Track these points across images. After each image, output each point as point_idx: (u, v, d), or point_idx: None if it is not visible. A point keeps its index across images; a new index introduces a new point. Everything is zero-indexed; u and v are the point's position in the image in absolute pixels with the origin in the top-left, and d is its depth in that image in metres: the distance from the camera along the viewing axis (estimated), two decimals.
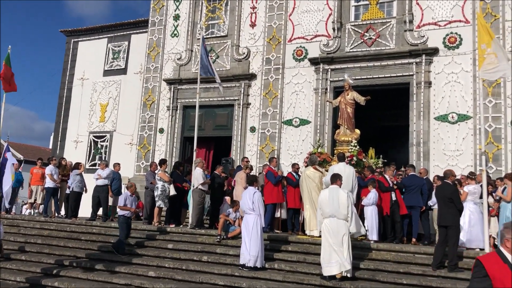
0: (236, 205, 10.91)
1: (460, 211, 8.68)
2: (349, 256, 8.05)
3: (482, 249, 9.44)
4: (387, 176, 11.30)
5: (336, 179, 8.59)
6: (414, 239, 10.95)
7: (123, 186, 15.46)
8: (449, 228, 8.49)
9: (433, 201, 10.71)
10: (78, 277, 9.43)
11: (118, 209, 10.68)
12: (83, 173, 14.23)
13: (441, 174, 11.50)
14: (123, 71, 20.79)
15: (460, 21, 14.74)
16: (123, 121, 20.11)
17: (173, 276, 9.12)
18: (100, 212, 14.11)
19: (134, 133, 19.51)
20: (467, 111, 14.18)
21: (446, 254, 8.58)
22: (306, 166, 11.85)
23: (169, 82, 18.74)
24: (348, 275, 8.06)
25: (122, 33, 21.21)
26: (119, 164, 14.64)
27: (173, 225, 12.33)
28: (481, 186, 9.93)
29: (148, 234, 11.51)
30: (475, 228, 9.78)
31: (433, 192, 10.65)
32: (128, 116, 19.86)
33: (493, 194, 10.28)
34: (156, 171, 12.98)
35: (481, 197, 10.10)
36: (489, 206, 9.70)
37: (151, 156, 18.40)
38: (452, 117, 14.34)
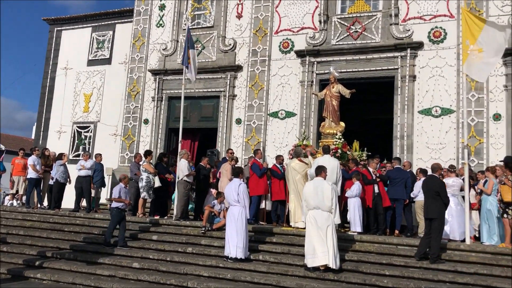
0: (221, 197, 10.92)
1: (446, 204, 8.83)
2: (332, 247, 8.11)
3: (463, 241, 9.61)
4: (370, 169, 11.41)
5: (320, 171, 8.65)
6: (397, 231, 11.12)
7: (106, 177, 15.44)
8: (434, 221, 8.62)
9: (414, 194, 10.85)
10: (61, 268, 9.36)
11: (112, 201, 10.53)
12: (66, 163, 14.08)
13: (424, 167, 11.70)
14: (108, 61, 20.52)
15: (445, 15, 14.87)
16: (108, 112, 19.89)
17: (158, 267, 9.11)
18: (83, 203, 13.98)
19: (118, 123, 19.33)
20: (451, 105, 14.36)
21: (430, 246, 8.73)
22: (291, 158, 11.89)
23: (154, 72, 18.58)
24: (335, 267, 8.13)
25: (106, 23, 20.91)
26: (100, 155, 14.52)
27: (158, 217, 12.29)
28: (463, 179, 10.10)
29: (133, 226, 11.45)
30: (454, 220, 9.95)
31: (415, 185, 10.78)
32: (113, 106, 19.65)
33: (475, 187, 10.44)
34: (140, 162, 12.89)
35: (461, 190, 10.29)
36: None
37: (135, 147, 18.28)
38: (436, 111, 14.51)
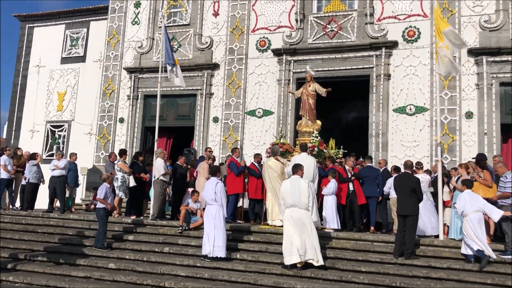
0: (194, 195, 10.89)
1: (420, 200, 8.99)
2: (312, 245, 8.15)
3: (436, 237, 9.81)
4: (347, 167, 11.54)
5: (297, 169, 8.69)
6: (372, 228, 11.27)
7: (80, 177, 15.18)
8: (409, 217, 8.76)
9: (385, 191, 11.01)
10: (35, 270, 9.16)
11: (98, 201, 10.30)
12: (39, 163, 13.78)
13: (399, 165, 11.87)
14: (82, 58, 20.15)
15: (419, 15, 15.12)
16: (82, 110, 19.54)
17: (134, 267, 9.01)
18: (57, 203, 13.72)
19: (93, 122, 19.03)
20: (424, 103, 14.62)
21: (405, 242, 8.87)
22: (268, 157, 11.92)
23: (130, 70, 18.36)
24: (321, 263, 8.19)
25: (80, 20, 20.53)
26: (75, 154, 14.26)
27: (134, 216, 12.16)
28: (436, 176, 10.30)
29: (109, 226, 11.25)
30: (422, 216, 10.12)
31: (387, 181, 10.92)
32: (87, 105, 19.32)
33: (449, 184, 10.65)
34: (115, 162, 12.71)
35: (429, 186, 10.52)
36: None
37: (111, 146, 18.03)
38: (410, 109, 14.75)
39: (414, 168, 10.18)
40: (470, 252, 8.35)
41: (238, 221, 11.96)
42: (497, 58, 14.07)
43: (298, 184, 8.40)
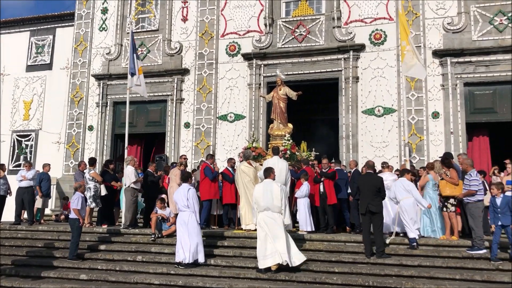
0: (158, 202, 10.82)
1: (383, 198, 9.17)
2: (286, 246, 8.19)
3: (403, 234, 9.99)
4: (318, 169, 11.65)
5: (269, 173, 8.73)
6: (348, 228, 11.43)
7: (52, 187, 14.83)
8: (375, 216, 8.92)
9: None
10: (2, 285, 8.88)
11: (72, 211, 10.01)
12: (6, 174, 13.40)
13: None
14: (48, 66, 19.73)
15: (384, 18, 15.44)
16: (50, 119, 19.11)
17: (106, 277, 8.86)
18: (25, 215, 13.36)
19: (61, 131, 18.63)
20: (392, 105, 14.92)
21: (373, 241, 9.02)
22: (241, 161, 11.93)
23: (98, 77, 18.09)
24: (291, 264, 8.21)
25: (46, 27, 20.11)
26: (49, 164, 13.94)
27: (106, 226, 11.95)
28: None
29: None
30: (388, 213, 10.28)
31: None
32: (55, 113, 18.91)
33: (417, 183, 10.88)
34: (85, 171, 12.48)
35: None
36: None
37: (80, 155, 17.71)
38: (379, 111, 15.03)
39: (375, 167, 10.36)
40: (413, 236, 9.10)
41: (213, 227, 11.91)
42: (461, 59, 14.49)
43: (270, 188, 8.43)
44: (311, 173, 11.42)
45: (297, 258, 8.41)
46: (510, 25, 14.24)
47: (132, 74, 12.39)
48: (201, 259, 8.92)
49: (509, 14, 14.27)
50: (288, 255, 8.24)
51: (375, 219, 8.91)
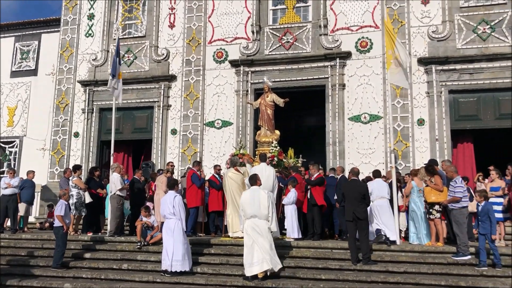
0: (143, 210, 10.78)
1: (367, 205, 9.22)
2: (269, 253, 8.17)
3: (393, 242, 10.04)
4: (306, 176, 11.67)
5: (255, 180, 8.72)
6: (336, 235, 11.44)
7: (36, 195, 14.64)
8: (361, 222, 8.96)
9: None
10: None
11: (56, 219, 9.85)
12: None
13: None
14: (33, 72, 19.55)
15: (370, 26, 15.61)
16: (34, 125, 18.90)
17: (91, 286, 8.73)
18: (8, 223, 13.15)
19: (46, 137, 18.44)
20: (378, 112, 15.04)
21: (359, 248, 9.05)
22: (228, 168, 11.90)
23: (84, 83, 17.96)
24: (276, 269, 8.19)
25: (31, 32, 19.95)
26: (33, 172, 13.75)
27: (91, 233, 11.81)
28: (391, 182, 10.57)
29: None
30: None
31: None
32: (40, 120, 18.71)
33: (402, 189, 10.97)
34: (70, 178, 12.34)
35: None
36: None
37: (65, 161, 17.52)
38: (365, 117, 15.14)
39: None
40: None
41: (199, 234, 11.84)
42: (445, 67, 14.69)
43: (258, 195, 8.42)
44: (300, 180, 11.43)
45: (279, 261, 8.43)
46: (493, 33, 14.49)
47: (113, 76, 12.35)
48: (186, 267, 8.84)
49: (492, 23, 14.52)
50: (273, 261, 8.21)
51: (360, 225, 8.95)
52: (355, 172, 9.75)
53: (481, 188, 11.92)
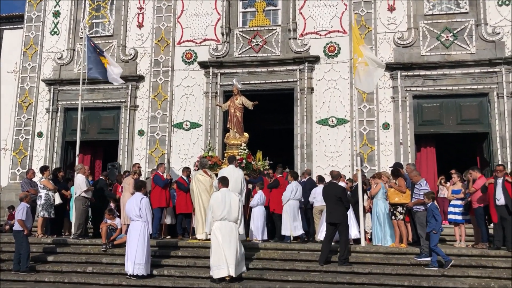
0: (106, 213, 10.65)
1: (347, 209, 9.37)
2: (235, 257, 8.17)
3: (358, 243, 10.23)
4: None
5: (227, 182, 8.71)
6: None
7: None
8: (340, 225, 9.11)
9: (310, 200, 11.33)
10: None
11: (16, 223, 9.51)
12: None
13: (323, 174, 12.29)
14: None
15: (338, 31, 15.85)
16: None
17: None
18: None
19: (8, 137, 17.83)
20: (345, 115, 15.29)
21: (331, 250, 9.18)
22: (196, 170, 11.85)
23: (49, 82, 17.49)
24: (234, 274, 8.19)
25: None
26: None
27: (55, 236, 11.51)
28: (357, 185, 10.79)
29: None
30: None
31: (314, 191, 11.23)
32: (1, 119, 18.10)
33: (367, 192, 11.19)
34: (34, 179, 12.01)
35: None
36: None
37: (28, 162, 17.00)
38: (332, 121, 15.36)
39: (341, 178, 10.58)
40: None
41: (167, 237, 11.73)
42: (410, 73, 15.08)
43: (229, 197, 8.40)
44: (266, 182, 11.51)
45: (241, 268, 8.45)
46: (455, 41, 14.98)
47: (104, 76, 12.23)
48: (148, 271, 8.73)
49: (455, 31, 15.01)
50: (235, 265, 8.19)
51: (340, 228, 9.11)
52: (334, 175, 9.88)
53: (442, 191, 12.34)
